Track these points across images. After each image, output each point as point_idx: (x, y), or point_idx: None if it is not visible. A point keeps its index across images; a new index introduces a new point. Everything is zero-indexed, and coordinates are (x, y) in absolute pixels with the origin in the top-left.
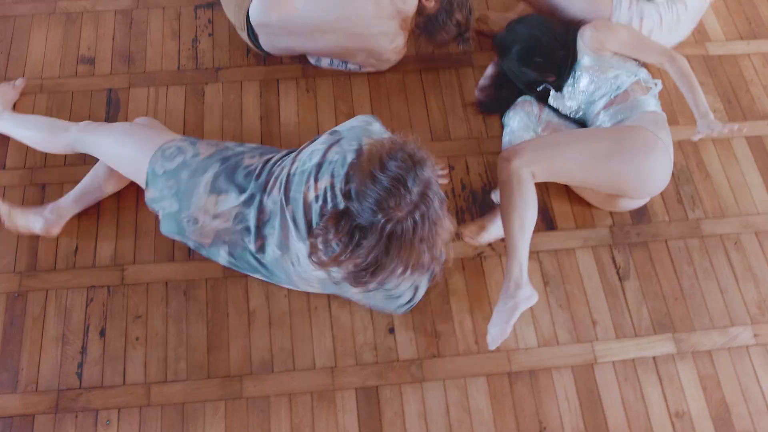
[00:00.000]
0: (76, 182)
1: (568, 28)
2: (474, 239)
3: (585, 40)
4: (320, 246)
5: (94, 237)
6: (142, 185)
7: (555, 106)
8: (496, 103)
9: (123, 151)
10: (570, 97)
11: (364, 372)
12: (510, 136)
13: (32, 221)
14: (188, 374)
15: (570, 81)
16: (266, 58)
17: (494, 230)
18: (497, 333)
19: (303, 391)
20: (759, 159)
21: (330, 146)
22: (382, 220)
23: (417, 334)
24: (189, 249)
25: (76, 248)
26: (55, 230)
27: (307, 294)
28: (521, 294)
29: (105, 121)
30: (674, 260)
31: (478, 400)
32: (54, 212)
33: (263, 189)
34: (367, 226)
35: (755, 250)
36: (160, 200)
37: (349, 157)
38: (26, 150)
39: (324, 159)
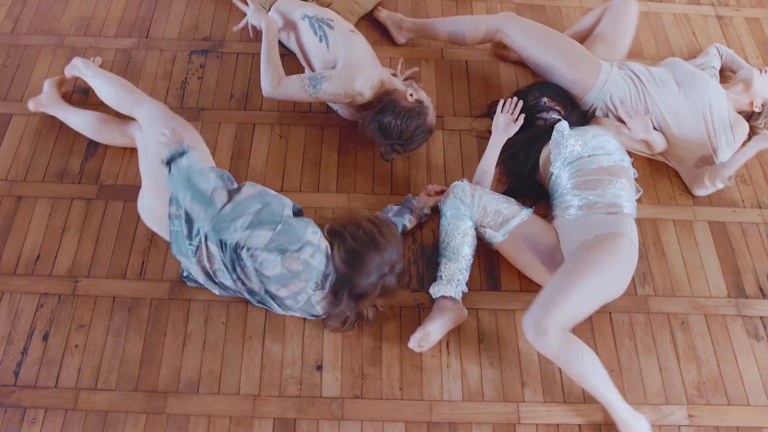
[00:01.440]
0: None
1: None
2: (423, 347)
3: (595, 119)
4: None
5: (56, 249)
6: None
7: (562, 135)
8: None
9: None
10: (576, 137)
11: (286, 404)
12: (446, 224)
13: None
14: (117, 385)
15: (579, 129)
16: (246, 104)
17: (437, 333)
18: None
19: (223, 415)
20: (719, 244)
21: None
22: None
23: (344, 373)
24: (141, 268)
25: (38, 257)
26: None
27: (245, 324)
28: (641, 426)
29: (87, 150)
30: (615, 333)
31: None
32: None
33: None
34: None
35: (702, 332)
36: (175, 218)
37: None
38: (11, 162)
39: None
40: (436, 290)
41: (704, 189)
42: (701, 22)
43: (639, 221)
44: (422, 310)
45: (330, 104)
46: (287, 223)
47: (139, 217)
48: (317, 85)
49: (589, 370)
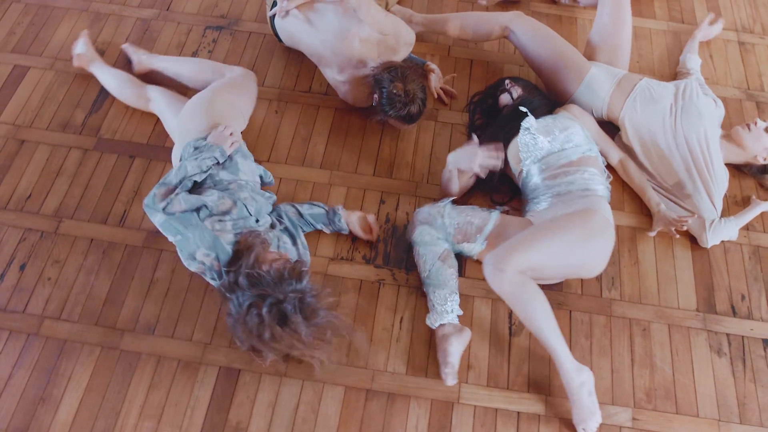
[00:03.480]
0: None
1: (542, 92)
2: (455, 376)
3: (568, 109)
4: None
5: (48, 191)
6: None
7: (529, 132)
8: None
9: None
10: (544, 133)
11: (233, 355)
12: (423, 253)
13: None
14: (80, 318)
15: (547, 119)
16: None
17: (456, 357)
18: (593, 423)
19: (172, 357)
20: (698, 260)
21: None
22: None
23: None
24: (122, 216)
25: (29, 196)
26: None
27: None
28: (585, 377)
29: (93, 105)
30: (572, 330)
31: (330, 407)
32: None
33: None
34: None
35: (662, 340)
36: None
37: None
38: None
39: None
40: (433, 320)
41: (713, 239)
42: (721, 45)
43: (618, 228)
44: (382, 286)
45: (333, 84)
46: (185, 236)
47: (128, 171)
48: None
49: (540, 313)
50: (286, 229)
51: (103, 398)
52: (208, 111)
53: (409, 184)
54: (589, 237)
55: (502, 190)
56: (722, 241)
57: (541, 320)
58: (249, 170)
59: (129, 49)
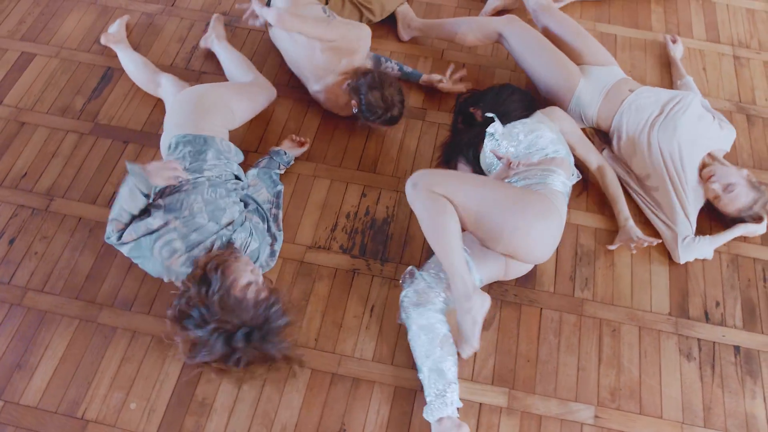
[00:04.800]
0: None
1: (527, 94)
2: None
3: (545, 110)
4: None
5: (42, 171)
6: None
7: (494, 134)
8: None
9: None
10: (509, 138)
11: None
12: (419, 336)
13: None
14: (61, 291)
15: (516, 124)
16: None
17: None
18: (468, 349)
19: (147, 333)
20: (674, 265)
21: None
22: None
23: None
24: (112, 197)
25: (25, 174)
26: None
27: None
28: (473, 304)
29: (93, 92)
30: (542, 327)
31: (294, 388)
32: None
33: None
34: None
35: (632, 342)
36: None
37: None
38: (25, 92)
39: None
40: (431, 414)
41: (686, 254)
42: (715, 59)
43: (596, 231)
44: (357, 275)
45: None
46: (145, 265)
47: (120, 155)
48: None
49: (447, 227)
50: (257, 210)
51: (77, 368)
52: (197, 103)
53: (392, 180)
54: (526, 209)
55: None
56: None
57: (448, 236)
58: (220, 165)
59: (216, 21)
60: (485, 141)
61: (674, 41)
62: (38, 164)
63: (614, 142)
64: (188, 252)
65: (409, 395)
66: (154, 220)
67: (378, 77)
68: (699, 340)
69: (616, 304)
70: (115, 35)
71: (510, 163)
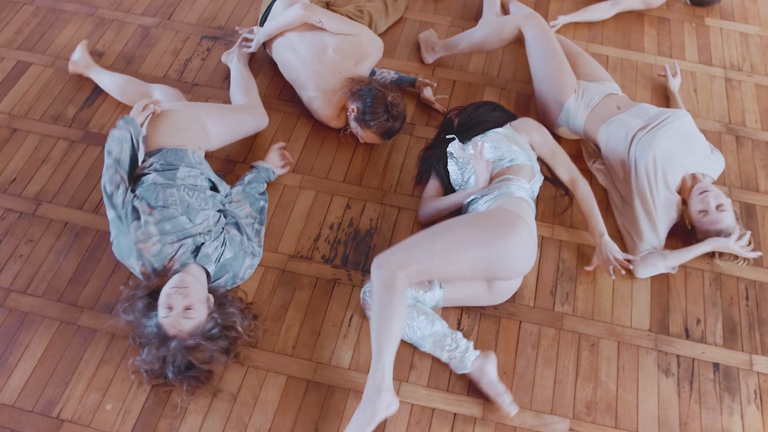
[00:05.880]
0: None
1: (508, 113)
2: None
3: (515, 121)
4: None
5: (32, 176)
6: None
7: (454, 153)
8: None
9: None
10: (470, 149)
11: None
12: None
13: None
14: (44, 293)
15: (477, 138)
16: None
17: (493, 374)
18: None
19: (125, 336)
20: (657, 281)
21: None
22: None
23: (244, 320)
24: (98, 204)
25: (14, 179)
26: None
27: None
28: (382, 401)
29: (85, 102)
30: (520, 340)
31: (270, 393)
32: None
33: None
34: None
35: (610, 357)
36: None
37: None
38: (18, 100)
39: None
40: (459, 367)
41: (646, 270)
42: (706, 80)
43: (579, 246)
44: (337, 284)
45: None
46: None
47: None
48: None
49: (393, 321)
50: (235, 223)
51: (55, 369)
52: (171, 121)
53: (377, 192)
54: (487, 232)
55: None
56: (685, 267)
57: (390, 332)
58: (194, 176)
59: (247, 37)
60: (448, 159)
61: (674, 74)
62: (28, 170)
63: (602, 153)
64: (161, 242)
65: None
66: (137, 202)
67: (384, 84)
68: (678, 356)
69: (596, 319)
70: (81, 61)
71: (478, 152)
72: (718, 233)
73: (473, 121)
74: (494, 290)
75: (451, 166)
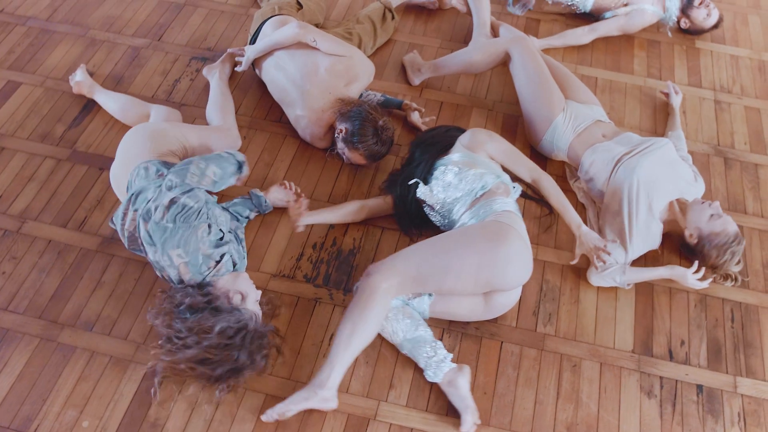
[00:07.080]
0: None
1: (450, 130)
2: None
3: (463, 139)
4: None
5: (17, 194)
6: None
7: (425, 199)
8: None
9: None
10: (438, 190)
11: None
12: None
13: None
14: (25, 310)
15: (439, 173)
16: None
17: (466, 388)
18: (279, 410)
19: (105, 353)
20: (641, 302)
21: None
22: None
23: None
24: (82, 222)
25: (0, 197)
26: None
27: (153, 283)
28: (320, 393)
29: (73, 121)
30: (501, 360)
31: (247, 412)
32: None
33: None
34: None
35: (592, 378)
36: None
37: None
38: (7, 119)
39: None
40: (434, 375)
41: (601, 279)
42: (696, 102)
43: (562, 267)
44: (318, 304)
45: (294, 120)
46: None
47: (95, 182)
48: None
49: (354, 326)
50: (236, 236)
51: (33, 386)
52: (158, 137)
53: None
54: (478, 243)
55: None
56: (669, 288)
57: (357, 336)
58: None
59: (227, 60)
60: (423, 207)
61: (677, 92)
62: (14, 187)
63: (581, 176)
64: (181, 191)
65: (361, 423)
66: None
67: (373, 107)
68: (661, 377)
69: (578, 339)
70: (84, 81)
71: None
72: (726, 241)
73: (429, 141)
74: (491, 304)
75: (428, 211)
